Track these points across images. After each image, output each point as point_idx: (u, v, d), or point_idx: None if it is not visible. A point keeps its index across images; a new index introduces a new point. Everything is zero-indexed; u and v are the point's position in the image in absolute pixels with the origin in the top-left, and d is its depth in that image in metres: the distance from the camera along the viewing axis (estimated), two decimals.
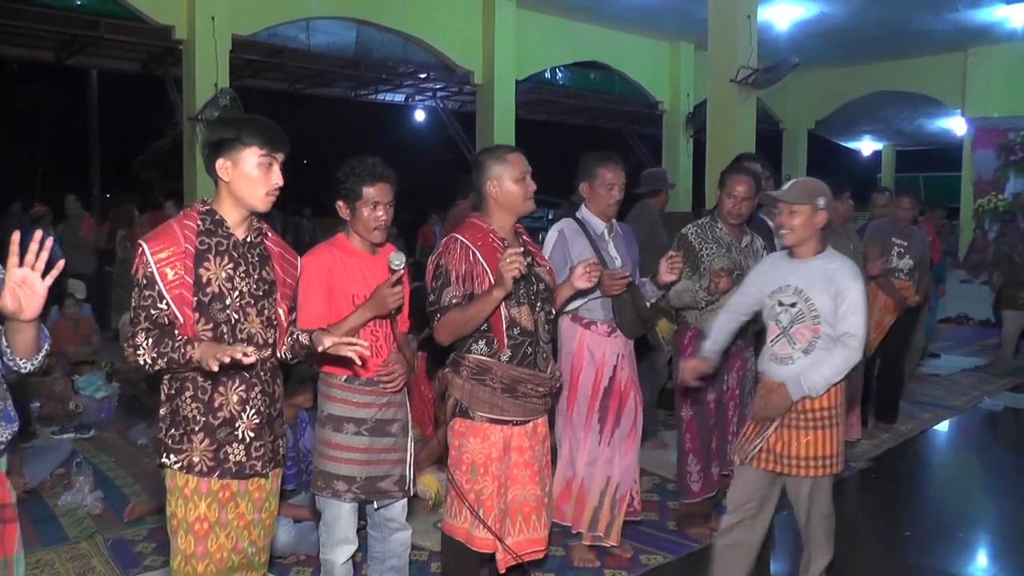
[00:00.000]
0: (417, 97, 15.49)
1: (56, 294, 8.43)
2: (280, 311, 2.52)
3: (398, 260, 2.83)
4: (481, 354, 3.00)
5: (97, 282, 10.00)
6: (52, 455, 5.21)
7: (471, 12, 12.33)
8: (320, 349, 2.43)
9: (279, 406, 2.57)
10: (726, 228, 4.15)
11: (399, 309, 2.91)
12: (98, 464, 5.33)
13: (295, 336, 2.54)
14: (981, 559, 4.35)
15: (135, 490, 4.90)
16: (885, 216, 6.48)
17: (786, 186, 3.25)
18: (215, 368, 2.16)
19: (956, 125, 16.03)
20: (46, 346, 2.11)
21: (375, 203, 2.90)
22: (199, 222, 2.39)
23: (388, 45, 12.14)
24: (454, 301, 2.93)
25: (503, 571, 3.11)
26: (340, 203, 2.96)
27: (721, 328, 3.46)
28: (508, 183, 3.03)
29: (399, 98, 15.70)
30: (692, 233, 4.11)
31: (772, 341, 3.22)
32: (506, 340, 2.99)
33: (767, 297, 3.24)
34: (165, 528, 4.20)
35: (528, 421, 3.09)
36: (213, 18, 9.75)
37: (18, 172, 21.39)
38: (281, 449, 2.58)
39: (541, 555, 3.23)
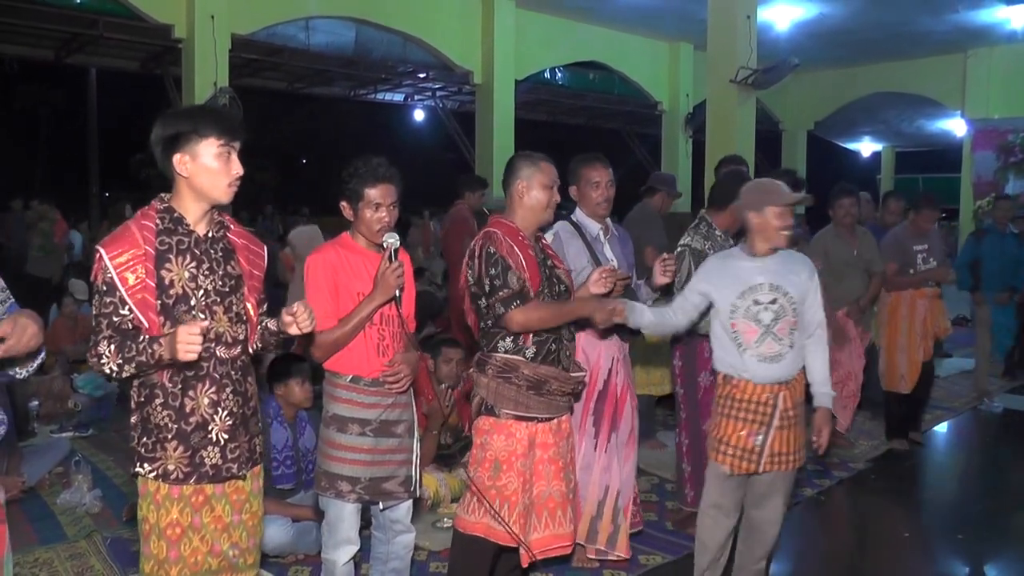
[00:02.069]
0: (416, 97, 15.50)
1: (55, 293, 8.43)
2: (248, 305, 2.45)
3: (391, 238, 2.88)
4: (507, 352, 3.04)
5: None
6: (51, 453, 5.21)
7: (470, 12, 12.32)
8: (289, 330, 2.40)
9: (253, 404, 2.52)
10: (723, 234, 4.16)
11: (403, 289, 2.91)
12: (96, 463, 5.33)
13: (264, 324, 2.49)
14: (980, 561, 4.35)
15: (133, 489, 4.86)
16: (896, 222, 6.37)
17: (780, 186, 3.23)
18: (194, 357, 2.13)
19: (956, 126, 16.05)
20: (41, 356, 2.09)
21: (377, 204, 2.91)
22: (157, 221, 2.32)
23: (387, 45, 12.13)
24: (519, 286, 2.97)
25: (526, 565, 3.14)
26: (344, 203, 2.97)
27: (665, 324, 3.40)
28: (536, 188, 3.11)
29: (398, 98, 15.71)
30: (708, 247, 4.04)
31: (756, 342, 3.18)
32: (531, 337, 3.04)
33: (736, 299, 3.19)
34: None
35: (553, 418, 3.13)
36: (212, 17, 9.73)
37: (17, 170, 21.36)
38: (259, 447, 2.53)
39: (568, 550, 3.24)
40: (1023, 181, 13.90)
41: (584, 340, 3.76)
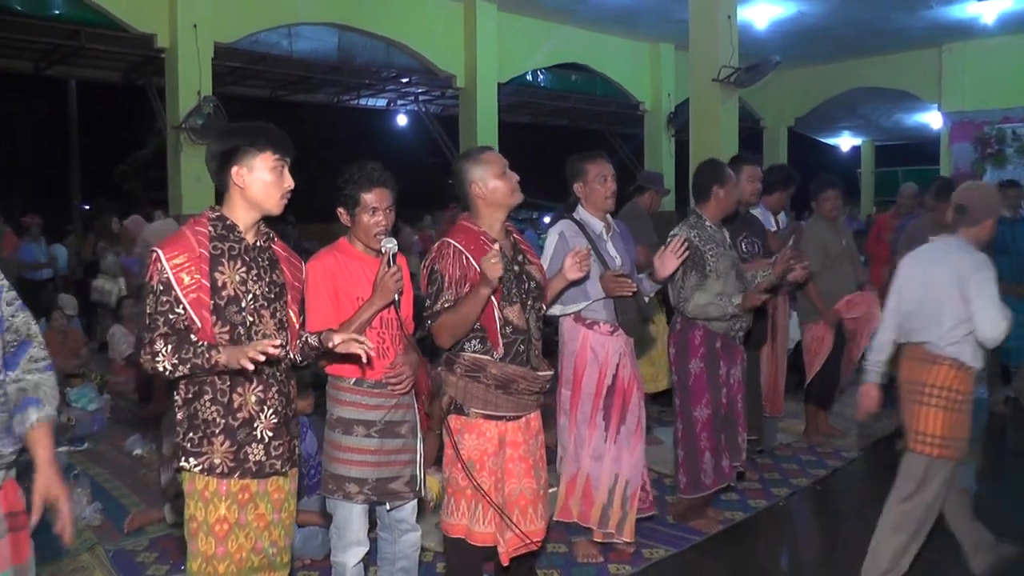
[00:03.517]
0: (400, 102, 15.48)
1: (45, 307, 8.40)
2: (291, 313, 2.58)
3: (389, 243, 2.92)
4: (475, 352, 3.06)
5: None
6: None
7: (452, 16, 12.34)
8: (331, 346, 2.47)
9: (294, 406, 2.62)
10: (714, 225, 4.23)
11: (401, 292, 2.94)
12: (94, 476, 5.32)
13: (304, 339, 2.58)
14: None
15: (133, 500, 4.90)
16: (909, 211, 6.23)
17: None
18: (250, 366, 2.21)
19: (933, 119, 16.20)
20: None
21: (374, 209, 2.95)
22: (210, 228, 2.45)
23: (370, 50, 12.12)
24: (447, 305, 2.99)
25: (506, 563, 3.16)
26: (340, 209, 3.01)
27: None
28: (492, 181, 3.11)
29: (382, 103, 15.69)
30: (694, 235, 4.12)
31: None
32: (500, 340, 3.05)
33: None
34: (166, 537, 4.25)
35: (521, 416, 3.15)
36: (195, 26, 9.69)
37: None
38: (297, 449, 2.63)
39: (539, 546, 3.29)
40: (1000, 172, 14.04)
41: (592, 338, 3.82)
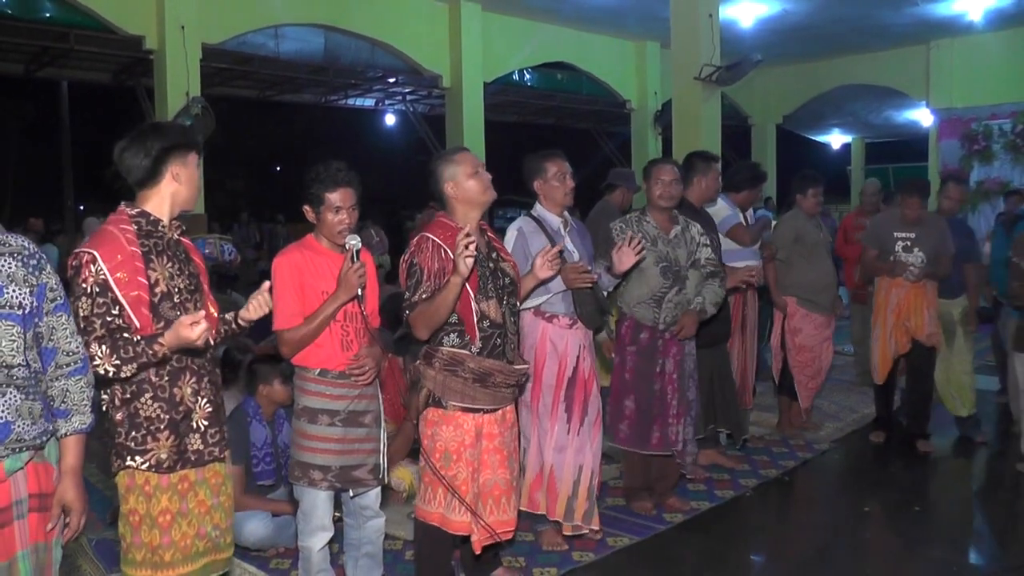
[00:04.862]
0: (387, 101, 15.59)
1: None
2: (208, 303, 2.63)
3: (353, 240, 3.02)
4: (453, 346, 3.16)
5: None
6: None
7: (437, 16, 12.43)
8: (250, 317, 2.62)
9: (221, 394, 2.70)
10: (655, 221, 4.34)
11: (364, 287, 3.04)
12: None
13: (228, 323, 2.67)
14: (935, 531, 4.52)
15: (116, 492, 4.97)
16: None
17: None
18: (199, 340, 2.29)
19: (922, 116, 16.26)
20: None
21: (337, 208, 3.06)
22: (134, 225, 2.47)
23: (356, 51, 12.22)
24: (424, 296, 3.09)
25: (479, 552, 3.27)
26: (306, 208, 3.12)
27: None
28: (464, 180, 3.22)
29: (369, 103, 15.79)
30: (616, 228, 4.30)
31: None
32: (477, 333, 3.15)
33: None
34: None
35: (497, 409, 3.26)
36: (183, 27, 9.80)
37: None
38: (226, 434, 2.70)
39: (511, 535, 3.39)
40: (987, 168, 14.14)
41: (551, 330, 3.90)
